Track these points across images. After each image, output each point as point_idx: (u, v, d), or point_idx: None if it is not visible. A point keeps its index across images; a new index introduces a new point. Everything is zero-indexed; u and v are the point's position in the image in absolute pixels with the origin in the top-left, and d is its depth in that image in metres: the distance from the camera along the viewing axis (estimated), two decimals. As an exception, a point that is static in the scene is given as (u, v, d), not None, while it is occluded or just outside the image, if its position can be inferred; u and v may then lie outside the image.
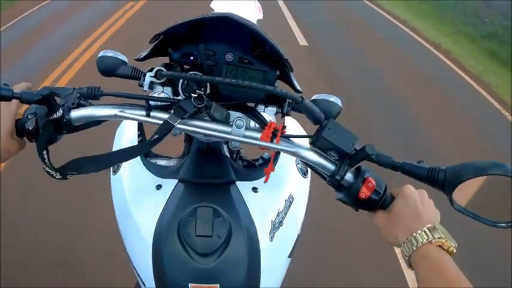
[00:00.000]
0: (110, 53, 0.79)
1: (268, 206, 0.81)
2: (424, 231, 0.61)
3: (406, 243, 0.62)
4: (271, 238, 0.77)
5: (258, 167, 0.95)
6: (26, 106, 0.69)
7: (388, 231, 0.66)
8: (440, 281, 0.57)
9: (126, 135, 0.97)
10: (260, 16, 1.16)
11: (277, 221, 0.79)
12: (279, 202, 0.82)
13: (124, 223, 0.84)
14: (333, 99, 0.81)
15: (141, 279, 0.80)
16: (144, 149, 0.70)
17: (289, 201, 0.84)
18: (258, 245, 0.74)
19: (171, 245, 0.71)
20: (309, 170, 0.94)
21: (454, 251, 0.60)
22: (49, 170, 0.68)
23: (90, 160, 0.68)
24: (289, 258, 0.83)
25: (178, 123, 0.68)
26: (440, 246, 0.60)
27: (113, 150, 0.96)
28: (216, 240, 0.70)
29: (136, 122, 0.96)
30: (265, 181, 0.77)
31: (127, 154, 0.71)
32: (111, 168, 0.92)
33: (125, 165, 0.89)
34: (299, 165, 0.93)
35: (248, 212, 0.76)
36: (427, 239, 0.60)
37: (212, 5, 1.18)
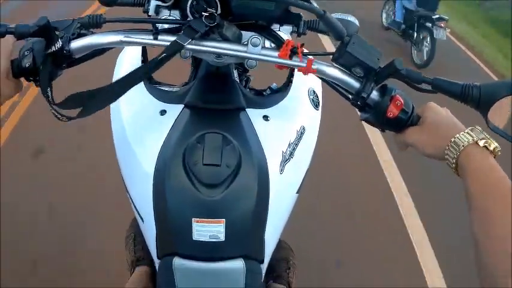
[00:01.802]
0: None
1: (279, 136, 0.76)
2: (468, 133, 0.58)
3: (450, 148, 0.58)
4: (281, 170, 0.72)
5: (268, 95, 0.89)
6: (21, 45, 0.65)
7: (426, 143, 0.63)
8: (493, 180, 0.54)
9: (128, 63, 0.90)
10: None
11: (288, 152, 0.75)
12: (291, 132, 0.77)
13: (123, 151, 0.79)
14: (351, 18, 0.78)
15: (138, 213, 0.75)
16: (152, 69, 0.63)
17: (301, 133, 0.79)
18: (267, 177, 0.70)
19: (175, 175, 0.66)
20: (320, 102, 0.90)
21: (499, 153, 0.57)
22: (55, 112, 0.64)
23: (94, 93, 0.64)
24: (297, 194, 0.79)
25: (189, 44, 0.63)
26: (485, 147, 0.57)
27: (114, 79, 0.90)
28: (224, 170, 0.65)
29: (139, 50, 0.90)
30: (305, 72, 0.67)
31: (134, 77, 0.65)
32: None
33: None
34: (311, 96, 0.88)
35: (258, 141, 0.72)
36: (473, 139, 0.57)
37: None
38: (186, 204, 0.66)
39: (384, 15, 5.79)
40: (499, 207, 0.52)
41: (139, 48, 0.91)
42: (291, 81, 0.87)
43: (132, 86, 0.65)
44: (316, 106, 0.88)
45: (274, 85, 0.93)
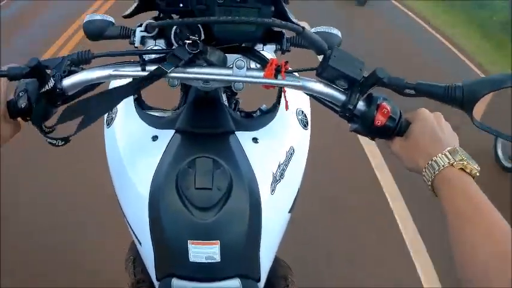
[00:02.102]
0: (96, 16, 0.76)
1: (269, 158, 0.77)
2: (445, 154, 0.59)
3: (427, 168, 0.60)
4: (272, 191, 0.74)
5: (256, 117, 0.91)
6: (15, 85, 0.66)
7: (407, 158, 0.64)
8: (464, 203, 0.55)
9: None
10: None
11: (278, 173, 0.76)
12: (280, 154, 0.79)
13: (118, 177, 0.80)
14: (333, 31, 0.78)
15: (136, 237, 0.77)
16: (135, 88, 0.65)
17: (290, 153, 0.80)
18: (259, 199, 0.71)
19: (169, 199, 0.68)
20: (309, 121, 0.91)
21: (477, 174, 0.58)
22: (50, 141, 0.65)
23: (87, 102, 0.65)
24: (290, 214, 0.80)
25: (174, 71, 0.65)
26: (462, 169, 0.58)
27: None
28: (216, 193, 0.67)
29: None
30: (286, 108, 0.72)
31: (121, 91, 0.66)
32: (105, 120, 0.88)
33: (119, 117, 0.85)
34: (299, 117, 0.90)
35: (248, 163, 0.73)
36: (449, 162, 0.58)
37: None
38: (181, 227, 0.68)
39: (500, 152, 3.04)
40: (469, 229, 0.53)
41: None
42: (279, 103, 0.88)
43: (122, 99, 0.67)
44: (304, 126, 0.89)
45: (264, 106, 0.95)
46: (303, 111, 0.91)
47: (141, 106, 0.87)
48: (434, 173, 0.59)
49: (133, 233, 0.77)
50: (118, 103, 0.68)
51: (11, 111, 0.65)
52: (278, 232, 0.78)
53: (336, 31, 0.79)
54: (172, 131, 0.77)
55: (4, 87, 0.65)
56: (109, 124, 0.87)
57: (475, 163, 0.58)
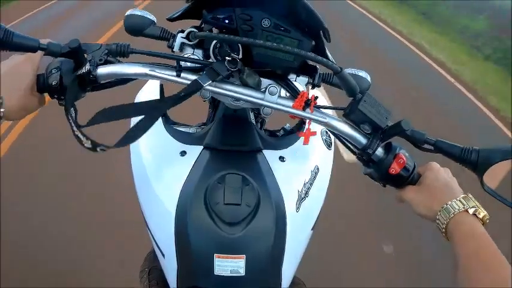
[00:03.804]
0: (138, 12, 0.77)
1: (295, 176, 0.79)
2: (459, 200, 0.63)
3: (442, 212, 0.63)
4: (298, 209, 0.76)
5: (282, 136, 0.93)
6: (47, 61, 0.67)
7: (421, 203, 0.67)
8: (475, 247, 0.58)
9: (147, 100, 0.93)
10: None
11: (303, 191, 0.78)
12: (306, 172, 0.81)
13: (144, 189, 0.82)
14: (363, 74, 0.81)
15: (159, 248, 0.78)
16: (170, 104, 0.66)
17: (315, 172, 0.82)
18: (284, 215, 0.73)
19: (197, 213, 0.69)
20: (333, 142, 0.93)
21: (488, 221, 0.62)
22: (78, 134, 0.64)
23: (114, 109, 0.66)
24: (312, 231, 0.82)
25: (209, 85, 0.67)
26: (475, 215, 0.61)
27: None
28: (244, 209, 0.68)
29: (158, 88, 0.94)
30: (305, 142, 0.73)
31: (153, 106, 0.68)
32: None
33: None
34: (324, 137, 0.92)
35: (275, 181, 0.75)
36: (463, 207, 0.62)
37: None
38: (208, 241, 0.69)
39: None
40: (481, 272, 0.56)
41: (157, 86, 0.94)
42: (304, 122, 0.90)
43: (154, 114, 0.67)
44: (328, 146, 0.92)
45: (287, 125, 0.97)
46: (327, 132, 0.93)
47: (167, 121, 0.89)
48: (449, 217, 0.62)
49: (157, 244, 0.78)
50: (160, 116, 0.69)
51: (39, 85, 0.66)
52: (301, 248, 0.80)
53: (365, 74, 0.81)
54: (200, 147, 0.79)
55: (37, 60, 0.66)
56: None
57: (484, 211, 0.62)
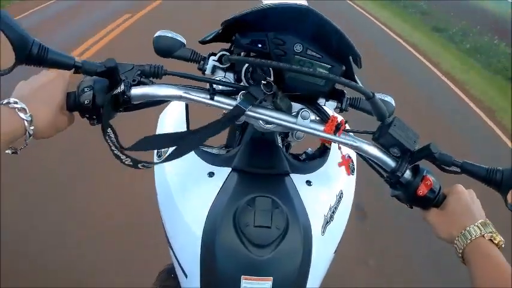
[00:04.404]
0: (168, 34, 0.77)
1: (321, 200, 0.81)
2: (477, 226, 0.66)
3: (459, 237, 0.66)
4: (323, 232, 0.77)
5: (307, 161, 0.94)
6: (77, 78, 0.67)
7: (442, 227, 0.70)
8: (492, 270, 0.62)
9: (173, 121, 0.95)
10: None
11: (329, 215, 0.79)
12: (331, 197, 0.82)
13: (168, 209, 0.82)
14: (388, 98, 0.83)
15: (182, 268, 0.78)
16: (213, 131, 0.68)
17: (340, 197, 0.84)
18: (311, 239, 0.74)
19: (225, 235, 0.69)
20: (355, 167, 0.95)
21: (503, 245, 0.65)
22: (118, 153, 0.65)
23: (157, 138, 0.67)
24: (334, 254, 0.83)
25: (248, 110, 0.68)
26: (491, 240, 0.65)
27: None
28: (274, 232, 0.69)
29: (182, 109, 0.95)
30: (348, 173, 0.78)
31: (196, 133, 0.69)
32: (155, 152, 0.90)
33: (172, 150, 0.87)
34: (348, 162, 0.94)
35: (303, 205, 0.76)
36: (480, 233, 0.65)
37: None
38: (235, 263, 0.69)
39: None
40: None
41: (181, 107, 0.95)
42: (329, 148, 0.92)
43: (205, 140, 0.69)
44: (352, 171, 0.93)
45: (309, 150, 0.98)
46: (350, 157, 0.95)
47: None
48: (466, 242, 0.65)
49: (179, 265, 0.78)
50: (203, 142, 0.70)
51: (70, 103, 0.66)
52: (323, 271, 0.81)
53: (390, 99, 0.84)
54: (228, 169, 0.80)
55: (67, 77, 0.66)
56: (160, 156, 0.88)
57: (500, 236, 0.65)
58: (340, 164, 0.78)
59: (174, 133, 0.70)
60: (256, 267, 0.69)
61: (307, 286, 0.75)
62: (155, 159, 0.89)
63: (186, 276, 0.77)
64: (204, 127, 0.68)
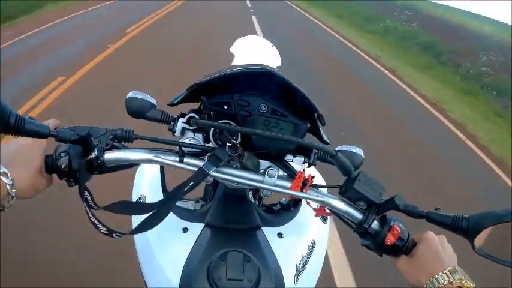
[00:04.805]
0: (139, 95, 0.80)
1: (292, 251, 0.82)
2: (446, 273, 0.67)
3: (427, 285, 0.67)
4: (296, 282, 0.78)
5: (280, 212, 0.97)
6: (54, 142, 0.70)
7: (411, 274, 0.71)
8: None
9: (148, 179, 0.99)
10: (279, 63, 1.20)
11: (301, 265, 0.81)
12: (303, 247, 0.84)
13: (147, 264, 0.84)
14: (356, 150, 0.86)
15: None
16: (180, 195, 0.71)
17: (312, 246, 0.86)
18: None
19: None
20: (329, 217, 0.97)
21: None
22: (94, 221, 0.68)
23: (132, 205, 0.70)
24: None
25: (213, 171, 0.70)
26: (460, 287, 0.65)
27: (134, 191, 0.98)
28: (246, 284, 0.70)
29: (158, 167, 0.98)
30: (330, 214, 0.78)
31: (164, 202, 0.72)
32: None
33: None
34: None
35: (274, 257, 0.78)
36: (448, 280, 0.66)
37: (233, 49, 1.20)
38: None
39: None
40: None
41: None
42: (301, 199, 0.94)
43: (171, 210, 0.73)
44: (324, 221, 0.95)
45: (283, 200, 1.01)
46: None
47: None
48: None
49: None
50: (171, 209, 0.74)
51: (48, 166, 0.69)
52: None
53: (358, 150, 0.86)
54: (201, 225, 0.82)
55: (44, 142, 0.69)
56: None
57: (471, 280, 0.66)
58: (316, 215, 0.80)
59: (146, 204, 0.74)
60: None
61: None
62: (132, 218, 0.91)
63: None
64: (172, 192, 0.72)
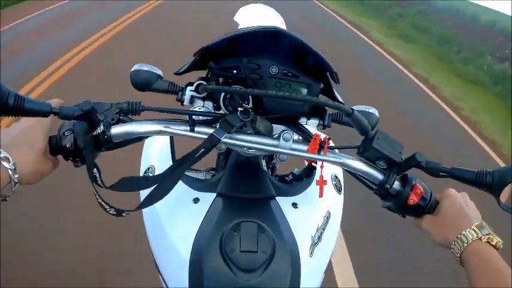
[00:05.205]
0: (144, 67, 0.77)
1: (308, 222, 0.80)
2: (473, 229, 0.65)
3: (456, 242, 0.65)
4: (311, 254, 0.76)
5: (293, 182, 0.94)
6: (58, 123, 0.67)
7: (437, 233, 0.70)
8: (491, 273, 0.61)
9: (157, 151, 0.95)
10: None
11: (316, 236, 0.78)
12: (318, 218, 0.82)
13: (156, 237, 0.81)
14: (371, 110, 0.83)
15: None
16: (188, 165, 0.68)
17: (327, 217, 0.83)
18: (299, 261, 0.73)
19: (212, 261, 0.69)
20: (343, 186, 0.94)
21: (501, 246, 0.64)
22: (102, 203, 0.65)
23: (139, 180, 0.67)
24: (324, 274, 0.82)
25: (225, 138, 0.68)
26: (488, 242, 0.64)
27: (142, 165, 0.95)
28: (260, 256, 0.68)
29: (168, 137, 0.95)
30: (320, 195, 0.76)
31: (173, 170, 0.69)
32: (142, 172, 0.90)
33: None
34: (334, 182, 0.93)
35: (289, 228, 0.75)
36: (477, 236, 0.64)
37: (236, 18, 1.16)
38: None
39: None
40: None
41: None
42: (315, 168, 0.91)
43: (179, 179, 0.69)
44: (339, 191, 0.92)
45: (295, 170, 0.98)
46: (337, 177, 0.94)
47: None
48: (463, 246, 0.64)
49: None
50: (180, 177, 0.70)
51: (52, 148, 0.66)
52: None
53: (374, 110, 0.84)
54: (213, 194, 0.79)
55: (48, 122, 0.66)
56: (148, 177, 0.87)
57: (498, 238, 0.64)
58: (317, 183, 0.77)
59: (152, 176, 0.71)
60: None
61: None
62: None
63: None
64: (180, 160, 0.68)
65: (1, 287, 1.71)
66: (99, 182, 0.67)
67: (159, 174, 0.70)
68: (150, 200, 0.67)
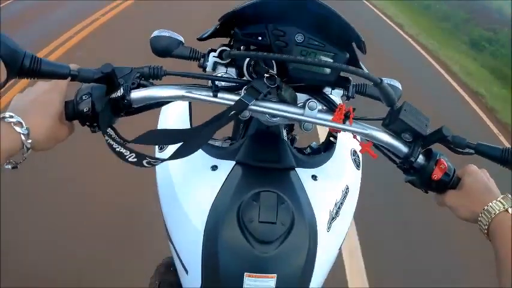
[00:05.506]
0: (165, 33, 0.76)
1: (327, 196, 0.79)
2: (499, 201, 0.64)
3: (483, 214, 0.65)
4: (328, 228, 0.75)
5: (313, 155, 0.92)
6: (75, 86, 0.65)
7: (462, 208, 0.69)
8: None
9: (175, 116, 0.93)
10: None
11: (334, 211, 0.77)
12: (337, 192, 0.80)
13: (170, 202, 0.80)
14: (395, 83, 0.82)
15: (183, 264, 0.76)
16: (216, 127, 0.66)
17: (346, 192, 0.82)
18: (316, 235, 0.72)
19: (228, 231, 0.68)
20: (361, 162, 0.93)
21: None
22: (120, 150, 0.63)
23: (165, 133, 0.65)
24: (339, 250, 0.81)
25: (252, 104, 0.66)
26: None
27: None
28: (279, 228, 0.67)
29: (186, 103, 0.93)
30: (374, 156, 0.73)
31: (199, 130, 0.66)
32: (156, 148, 0.88)
33: None
34: (353, 157, 0.91)
35: (308, 200, 0.74)
36: (503, 207, 0.63)
37: None
38: (239, 259, 0.67)
39: None
40: None
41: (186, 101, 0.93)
42: (335, 142, 0.90)
43: (210, 138, 0.67)
44: (357, 166, 0.91)
45: (314, 143, 0.96)
46: (356, 152, 0.93)
47: None
48: (490, 217, 0.63)
49: (180, 260, 0.77)
50: (209, 139, 0.68)
51: (69, 113, 0.64)
52: (328, 267, 0.79)
53: (397, 83, 0.82)
54: (232, 162, 0.78)
55: (64, 86, 0.64)
56: (162, 149, 0.86)
57: None
58: (361, 151, 0.74)
59: (180, 130, 0.68)
60: (260, 264, 0.67)
61: (311, 283, 0.73)
62: (156, 151, 0.87)
63: (186, 271, 0.76)
64: (208, 122, 0.66)
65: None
66: (116, 139, 0.64)
67: (188, 129, 0.68)
68: (179, 154, 0.65)
